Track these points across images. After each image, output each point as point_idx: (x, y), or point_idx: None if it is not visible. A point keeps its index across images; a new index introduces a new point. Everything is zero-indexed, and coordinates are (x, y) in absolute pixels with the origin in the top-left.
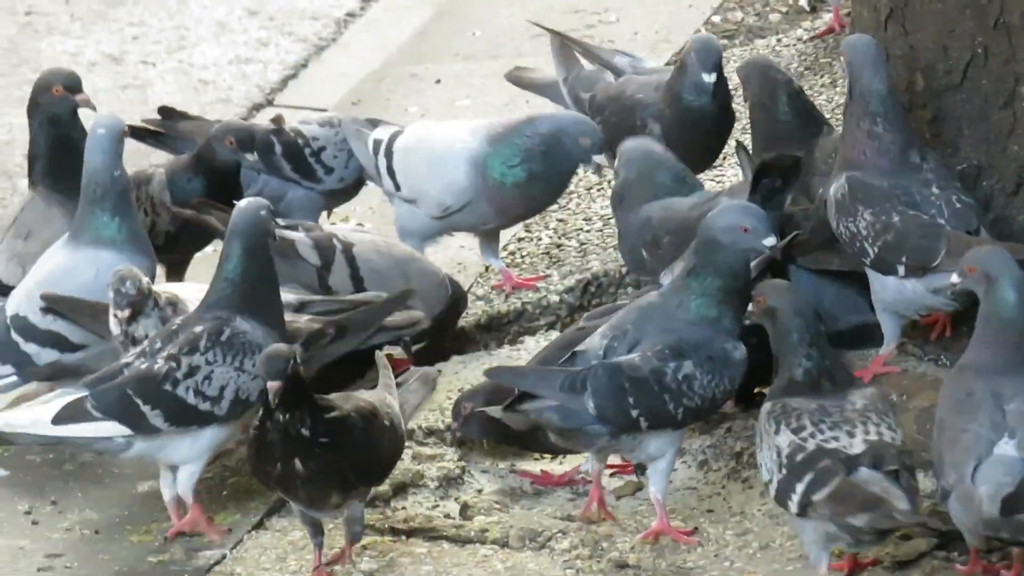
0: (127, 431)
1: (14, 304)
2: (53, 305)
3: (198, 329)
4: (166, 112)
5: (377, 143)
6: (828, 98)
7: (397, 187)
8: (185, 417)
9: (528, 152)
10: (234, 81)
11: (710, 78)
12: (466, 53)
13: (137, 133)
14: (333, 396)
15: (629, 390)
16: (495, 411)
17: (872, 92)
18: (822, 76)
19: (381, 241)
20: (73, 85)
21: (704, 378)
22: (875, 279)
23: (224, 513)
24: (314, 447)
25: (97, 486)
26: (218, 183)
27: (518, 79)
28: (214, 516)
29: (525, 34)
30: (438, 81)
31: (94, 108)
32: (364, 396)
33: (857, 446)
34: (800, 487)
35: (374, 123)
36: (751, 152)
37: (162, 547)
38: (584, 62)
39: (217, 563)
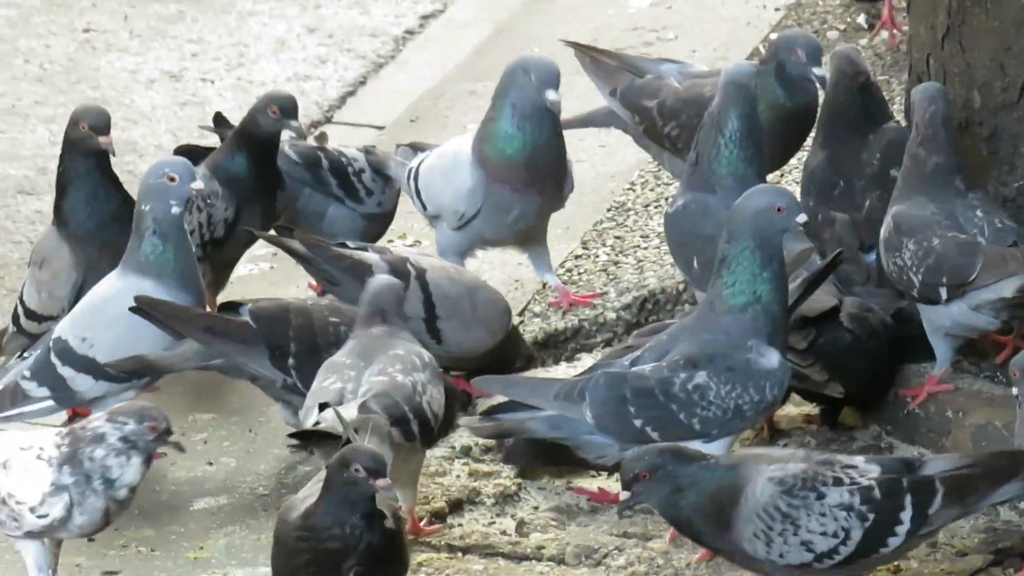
0: None
1: (59, 328)
2: (145, 307)
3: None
4: (219, 120)
5: (410, 171)
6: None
7: (424, 207)
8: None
9: (518, 121)
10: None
11: (821, 71)
12: None
13: (189, 152)
14: None
15: (630, 400)
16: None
17: (924, 121)
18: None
19: (451, 267)
20: (99, 125)
21: (721, 388)
22: (926, 310)
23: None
24: (369, 559)
25: (153, 503)
26: (261, 156)
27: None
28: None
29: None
30: None
31: (114, 153)
32: None
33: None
34: (906, 515)
35: (416, 148)
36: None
37: (218, 564)
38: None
39: None
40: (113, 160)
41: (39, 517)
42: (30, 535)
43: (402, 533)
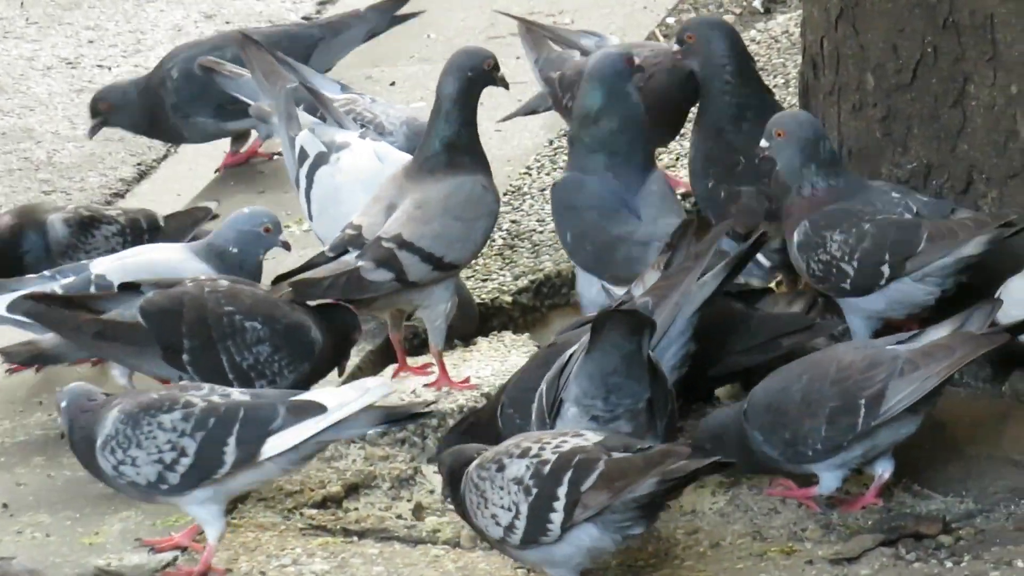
0: None
1: (102, 264)
2: (34, 313)
3: None
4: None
5: (303, 155)
6: (781, 98)
7: (310, 216)
8: None
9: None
10: None
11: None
12: (421, 55)
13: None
14: None
15: None
16: None
17: (812, 164)
18: (775, 77)
19: (413, 208)
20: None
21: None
22: (854, 301)
23: (177, 515)
24: None
25: (48, 489)
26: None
27: None
28: (166, 517)
29: (480, 36)
30: (393, 83)
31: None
32: None
33: (593, 439)
34: (562, 490)
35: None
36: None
37: (113, 549)
38: (554, 46)
39: (169, 565)
40: (7, 147)
41: None
42: None
43: None
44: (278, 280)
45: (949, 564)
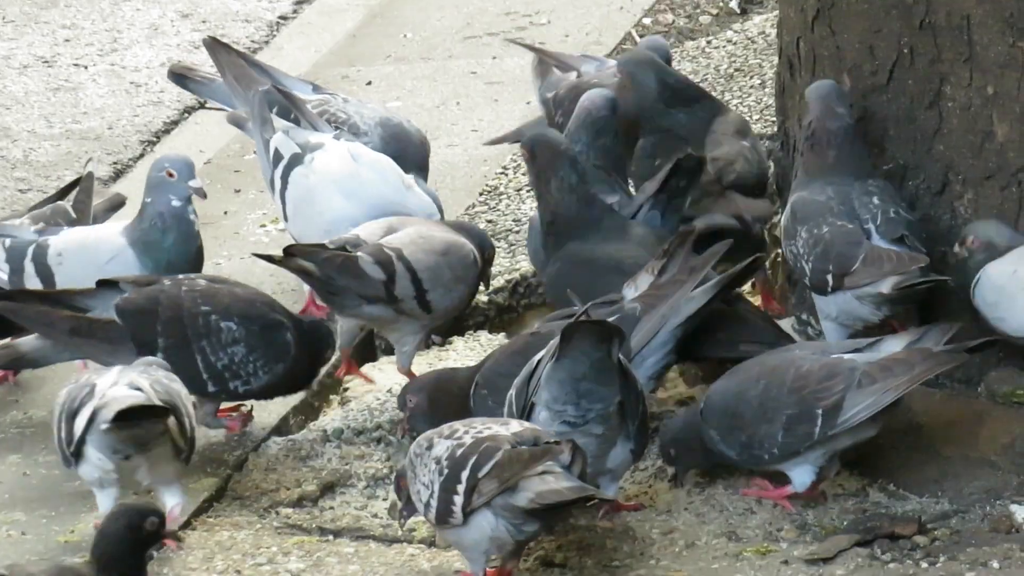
0: None
1: (52, 233)
2: (9, 312)
3: None
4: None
5: (277, 157)
6: (757, 99)
7: (285, 216)
8: None
9: None
10: (166, 84)
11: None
12: (397, 55)
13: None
14: None
15: None
16: None
17: (820, 119)
18: (752, 77)
19: (416, 235)
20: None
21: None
22: (817, 299)
23: None
24: None
25: (23, 487)
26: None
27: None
28: None
29: (456, 36)
30: (369, 83)
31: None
32: None
33: (514, 429)
34: (464, 474)
35: (280, 99)
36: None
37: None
38: (556, 71)
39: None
40: None
41: None
42: None
43: None
44: (286, 252)
45: (924, 564)
